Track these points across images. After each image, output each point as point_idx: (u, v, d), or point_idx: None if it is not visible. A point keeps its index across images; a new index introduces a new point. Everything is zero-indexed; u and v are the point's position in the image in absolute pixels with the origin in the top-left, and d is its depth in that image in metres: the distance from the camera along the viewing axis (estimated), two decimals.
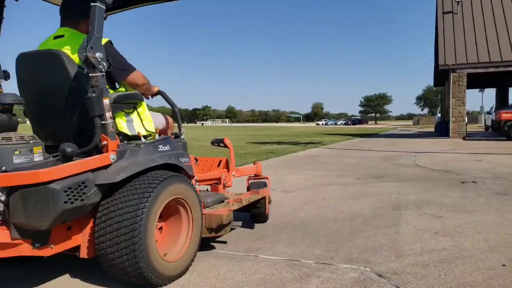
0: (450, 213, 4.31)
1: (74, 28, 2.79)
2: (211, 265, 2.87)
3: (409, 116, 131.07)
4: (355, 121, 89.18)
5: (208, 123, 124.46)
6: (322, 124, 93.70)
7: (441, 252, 3.05)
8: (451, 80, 20.27)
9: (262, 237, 3.56)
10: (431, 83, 35.13)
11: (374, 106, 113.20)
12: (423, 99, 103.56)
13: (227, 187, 3.89)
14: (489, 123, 30.38)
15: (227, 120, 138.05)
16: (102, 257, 2.38)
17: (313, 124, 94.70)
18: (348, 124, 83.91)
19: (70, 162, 2.31)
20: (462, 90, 20.21)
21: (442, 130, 22.25)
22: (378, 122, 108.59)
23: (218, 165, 3.95)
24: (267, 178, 4.14)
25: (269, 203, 3.92)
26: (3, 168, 2.23)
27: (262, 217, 3.99)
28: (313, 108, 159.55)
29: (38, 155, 2.40)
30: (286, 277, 2.63)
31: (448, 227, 3.75)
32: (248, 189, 4.01)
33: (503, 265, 2.77)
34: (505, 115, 18.00)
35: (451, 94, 20.39)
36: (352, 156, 11.48)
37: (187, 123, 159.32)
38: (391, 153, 12.06)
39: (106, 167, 2.43)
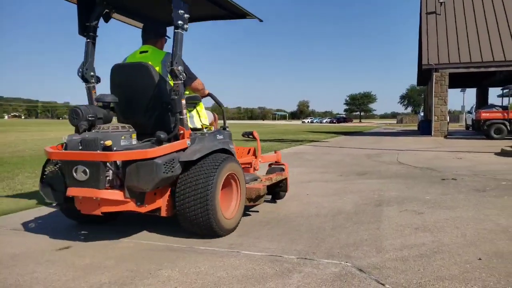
0: (431, 209, 4.38)
1: (153, 45, 3.80)
2: (193, 261, 2.85)
3: (393, 115, 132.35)
4: (340, 119, 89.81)
5: None
6: (308, 122, 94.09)
7: (420, 247, 3.10)
8: (434, 80, 20.58)
9: (245, 233, 3.56)
10: (415, 82, 35.51)
11: (359, 104, 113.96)
12: (407, 98, 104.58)
13: (256, 170, 4.71)
14: (469, 122, 30.91)
15: None
16: (180, 215, 3.29)
17: (299, 122, 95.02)
18: (333, 122, 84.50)
19: (164, 145, 3.20)
20: (444, 90, 20.54)
21: (424, 128, 22.57)
22: (362, 120, 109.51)
23: (248, 153, 4.83)
24: (284, 165, 4.96)
25: None
26: (115, 148, 3.09)
27: (283, 194, 4.92)
28: (299, 106, 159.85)
29: (134, 140, 3.30)
30: (268, 273, 2.63)
31: (428, 223, 3.81)
32: (268, 172, 4.83)
33: (479, 259, 2.83)
34: (485, 114, 18.34)
35: (433, 93, 20.70)
36: (336, 154, 11.56)
37: None
38: (374, 151, 12.18)
39: (184, 150, 3.34)
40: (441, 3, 22.43)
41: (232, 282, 2.49)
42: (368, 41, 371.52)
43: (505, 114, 17.79)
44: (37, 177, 6.89)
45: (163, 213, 3.38)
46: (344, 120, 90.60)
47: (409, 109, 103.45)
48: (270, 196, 4.83)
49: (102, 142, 3.08)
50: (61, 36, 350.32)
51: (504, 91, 21.13)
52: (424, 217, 4.02)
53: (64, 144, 3.36)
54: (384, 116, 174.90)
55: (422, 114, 35.05)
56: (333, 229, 3.65)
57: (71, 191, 3.14)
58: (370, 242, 3.26)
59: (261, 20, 4.63)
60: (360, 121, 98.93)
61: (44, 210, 4.55)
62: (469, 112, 32.81)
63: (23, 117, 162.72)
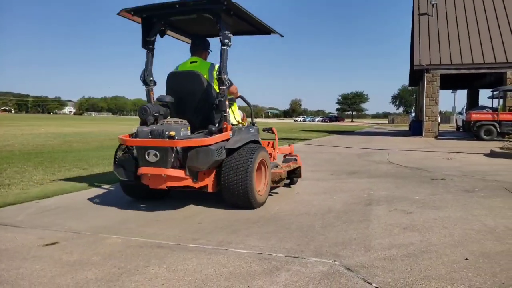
0: (420, 209, 4.41)
1: (200, 57, 4.81)
2: (181, 258, 2.84)
3: (385, 115, 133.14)
4: (332, 119, 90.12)
5: None
6: (300, 120, 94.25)
7: (408, 247, 3.12)
8: (425, 80, 20.73)
9: (234, 230, 3.56)
10: (407, 82, 35.74)
11: (351, 104, 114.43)
12: (399, 98, 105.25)
13: (274, 159, 5.62)
14: (460, 123, 31.16)
15: None
16: (225, 189, 4.22)
17: (291, 120, 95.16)
18: (325, 121, 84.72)
19: (215, 136, 4.14)
20: (435, 90, 20.70)
21: (415, 129, 22.73)
22: (354, 120, 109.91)
23: (268, 145, 5.72)
24: (297, 156, 6.04)
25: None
26: (176, 138, 3.94)
27: (296, 180, 5.94)
28: (291, 104, 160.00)
29: (189, 132, 4.24)
30: (256, 270, 2.63)
31: (417, 223, 3.83)
32: (284, 162, 5.83)
33: (466, 258, 2.85)
34: (475, 115, 18.49)
35: (425, 94, 20.86)
36: (327, 152, 11.60)
37: None
38: (365, 150, 12.24)
39: (227, 140, 4.29)
40: (433, 4, 22.59)
41: (219, 280, 2.49)
42: (362, 41, 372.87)
43: (495, 116, 17.95)
44: (25, 172, 6.83)
45: (210, 189, 4.31)
46: (336, 119, 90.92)
47: (401, 109, 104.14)
48: (288, 180, 5.65)
49: (167, 132, 3.98)
50: (53, 32, 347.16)
51: (494, 92, 21.32)
52: (413, 217, 4.05)
53: (134, 134, 4.25)
54: (376, 116, 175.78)
55: (413, 114, 35.27)
56: (323, 227, 3.66)
57: (143, 170, 4.07)
58: (359, 241, 3.27)
59: (282, 36, 5.68)
60: (352, 121, 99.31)
61: (33, 206, 4.51)
62: (460, 113, 33.10)
63: (13, 111, 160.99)
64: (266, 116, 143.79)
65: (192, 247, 3.10)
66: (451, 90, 33.59)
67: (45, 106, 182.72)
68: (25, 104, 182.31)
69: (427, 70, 20.56)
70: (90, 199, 4.88)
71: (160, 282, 2.45)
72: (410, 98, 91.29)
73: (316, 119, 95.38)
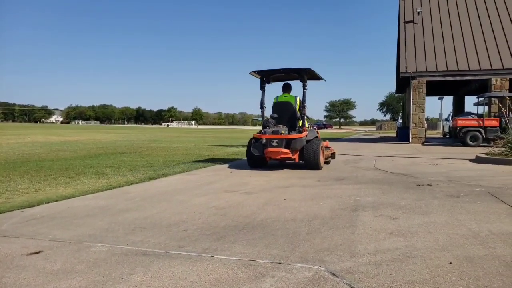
0: (405, 214, 4.44)
1: (289, 93, 9.54)
2: (166, 266, 2.83)
3: (372, 122, 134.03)
4: (320, 126, 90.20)
5: (174, 124, 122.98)
6: None
7: (394, 252, 3.14)
8: (412, 87, 20.97)
9: (220, 237, 3.55)
10: (394, 89, 36.11)
11: (339, 111, 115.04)
12: (386, 105, 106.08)
13: None
14: (447, 129, 31.57)
15: (193, 122, 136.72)
16: (306, 160, 8.66)
17: None
18: (313, 128, 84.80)
19: (302, 133, 8.69)
20: (422, 97, 20.95)
21: (402, 135, 22.92)
22: (342, 127, 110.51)
23: None
24: (331, 147, 10.25)
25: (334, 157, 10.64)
26: (284, 134, 8.60)
27: (330, 161, 10.30)
28: None
29: (286, 131, 8.73)
30: (241, 277, 2.63)
31: (402, 228, 3.86)
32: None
33: (450, 263, 2.88)
34: (461, 122, 18.73)
35: (411, 100, 21.09)
36: None
37: (152, 124, 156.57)
38: (352, 157, 12.31)
39: (306, 136, 8.73)
40: (418, 12, 22.94)
41: (205, 287, 2.48)
42: (349, 48, 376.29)
43: (480, 122, 18.21)
44: (10, 181, 6.75)
45: (297, 160, 8.82)
46: (324, 126, 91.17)
47: (388, 116, 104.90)
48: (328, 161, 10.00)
49: (280, 132, 8.54)
50: (40, 41, 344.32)
51: (479, 99, 21.67)
52: (398, 222, 4.08)
53: (264, 132, 8.70)
54: (363, 123, 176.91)
55: (400, 121, 35.63)
56: (309, 233, 3.67)
57: (270, 149, 8.47)
58: (344, 246, 3.28)
59: (325, 80, 10.46)
60: (340, 128, 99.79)
61: (18, 215, 4.45)
62: (446, 120, 33.54)
63: None
64: (255, 124, 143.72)
65: (178, 255, 3.08)
66: (437, 97, 34.02)
67: (32, 115, 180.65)
68: (12, 113, 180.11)
69: (413, 77, 20.82)
70: (76, 208, 4.83)
71: None
72: (397, 105, 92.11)
73: None
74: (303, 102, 9.11)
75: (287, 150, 8.38)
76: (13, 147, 15.40)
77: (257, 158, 8.90)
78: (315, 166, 8.56)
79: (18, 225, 4.02)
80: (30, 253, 3.13)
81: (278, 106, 9.30)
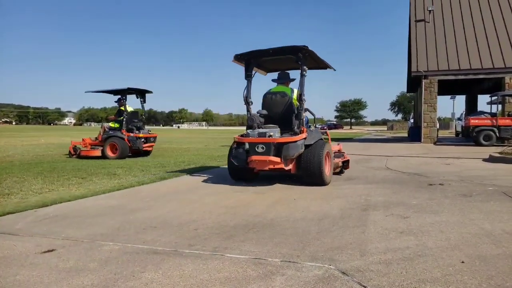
0: (416, 213, 4.41)
1: (284, 84, 7.03)
2: (176, 264, 2.85)
3: (384, 122, 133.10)
4: (331, 126, 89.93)
5: (185, 126, 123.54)
6: None
7: (404, 251, 3.12)
8: (423, 87, 20.77)
9: (230, 236, 3.57)
10: (405, 89, 35.79)
11: (350, 111, 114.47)
12: (397, 105, 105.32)
13: None
14: (459, 129, 31.20)
15: (204, 123, 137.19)
16: (304, 171, 6.26)
17: None
18: (323, 129, 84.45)
19: (299, 135, 6.20)
20: (433, 96, 20.73)
21: (414, 135, 22.71)
22: (353, 127, 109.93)
23: None
24: (344, 153, 8.14)
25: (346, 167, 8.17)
26: (272, 135, 6.12)
27: (344, 170, 8.05)
28: None
29: (277, 133, 6.24)
30: (251, 275, 2.64)
31: (413, 227, 3.83)
32: (336, 157, 7.54)
33: (462, 262, 2.86)
34: (474, 121, 18.48)
35: (423, 100, 20.89)
36: None
37: (163, 126, 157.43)
38: (363, 157, 12.24)
39: (304, 138, 6.23)
40: (429, 11, 22.71)
41: (215, 284, 2.49)
42: (360, 48, 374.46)
43: (494, 121, 17.96)
44: (24, 182, 6.85)
45: (292, 171, 6.45)
46: (335, 126, 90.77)
47: (400, 116, 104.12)
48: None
49: (268, 134, 6.20)
50: (54, 42, 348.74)
51: (493, 98, 21.37)
52: (409, 221, 4.05)
53: (246, 134, 6.44)
54: (374, 123, 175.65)
55: (412, 120, 35.30)
56: (319, 233, 3.67)
57: (254, 158, 6.19)
58: (355, 245, 3.27)
59: (334, 70, 7.97)
60: (351, 128, 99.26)
61: (32, 214, 4.52)
62: (459, 119, 33.15)
63: (14, 123, 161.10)
64: None
65: (188, 253, 3.11)
66: (450, 96, 33.63)
67: (45, 117, 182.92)
68: (26, 116, 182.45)
69: (425, 76, 20.63)
70: (88, 207, 4.89)
71: (156, 287, 2.46)
72: (408, 105, 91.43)
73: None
74: (301, 93, 6.45)
75: (278, 159, 6.06)
76: (27, 149, 15.62)
77: (240, 169, 6.71)
78: (318, 180, 6.28)
79: (32, 224, 4.08)
80: (44, 251, 3.18)
81: (269, 99, 6.86)
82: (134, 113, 12.89)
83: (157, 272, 2.70)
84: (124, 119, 12.27)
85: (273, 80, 7.21)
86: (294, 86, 6.94)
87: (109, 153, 11.89)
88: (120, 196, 5.69)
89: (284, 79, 7.13)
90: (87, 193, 5.83)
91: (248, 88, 6.97)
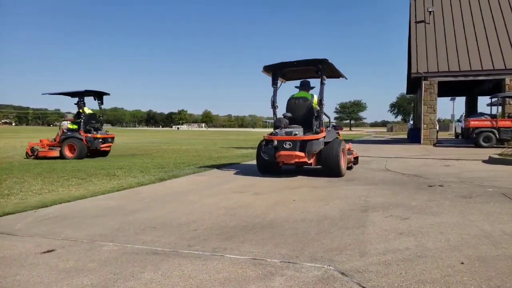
0: (416, 214, 4.41)
1: (305, 91, 8.52)
2: (176, 265, 2.85)
3: (383, 123, 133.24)
4: None
5: (184, 127, 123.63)
6: None
7: (404, 252, 3.12)
8: (423, 88, 20.77)
9: (230, 237, 3.57)
10: (405, 90, 35.79)
11: (349, 113, 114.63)
12: (397, 107, 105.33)
13: None
14: (459, 130, 31.19)
15: (203, 124, 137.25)
16: (324, 165, 7.66)
17: None
18: (337, 130, 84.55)
19: (320, 134, 7.59)
20: (433, 98, 20.73)
21: (414, 136, 22.72)
22: (352, 128, 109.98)
23: None
24: (353, 151, 9.37)
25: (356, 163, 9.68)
26: (297, 134, 7.56)
27: (354, 166, 9.35)
28: None
29: (301, 132, 7.66)
30: (250, 276, 2.64)
31: (413, 228, 3.83)
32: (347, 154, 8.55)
33: (462, 263, 2.86)
34: (473, 122, 18.48)
35: (423, 101, 20.89)
36: None
37: (162, 127, 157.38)
38: (363, 158, 12.23)
39: (324, 136, 7.63)
40: (430, 12, 22.73)
41: (214, 285, 2.49)
42: (359, 49, 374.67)
43: (494, 123, 17.96)
44: (24, 183, 6.86)
45: (313, 165, 7.81)
46: (335, 128, 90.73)
47: (399, 118, 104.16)
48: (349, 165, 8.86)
49: (294, 133, 7.51)
50: (54, 43, 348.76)
51: (493, 99, 21.38)
52: (409, 223, 4.05)
53: (275, 133, 7.75)
54: (374, 125, 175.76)
55: (411, 122, 35.31)
56: (318, 234, 3.67)
57: (282, 153, 7.48)
58: (354, 246, 3.27)
59: (346, 79, 9.32)
60: (350, 129, 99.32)
61: (31, 215, 4.52)
62: (459, 121, 33.16)
63: (13, 124, 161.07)
64: (265, 126, 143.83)
65: (187, 254, 3.11)
66: (449, 98, 33.64)
67: (45, 118, 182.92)
68: (25, 117, 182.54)
69: (425, 78, 20.63)
70: (87, 208, 4.89)
71: (155, 287, 2.46)
72: (408, 106, 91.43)
73: None
74: (321, 98, 7.85)
75: (302, 154, 7.35)
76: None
77: (268, 163, 7.93)
78: (336, 172, 7.52)
79: (32, 224, 4.08)
80: (43, 252, 3.18)
81: (292, 103, 8.26)
82: (92, 114, 13.30)
83: (157, 272, 2.70)
84: (82, 120, 12.60)
85: (297, 87, 8.68)
86: (312, 92, 8.55)
87: (67, 153, 12.17)
88: (119, 197, 5.69)
89: (306, 87, 8.59)
90: (86, 194, 5.83)
91: (274, 94, 8.37)
